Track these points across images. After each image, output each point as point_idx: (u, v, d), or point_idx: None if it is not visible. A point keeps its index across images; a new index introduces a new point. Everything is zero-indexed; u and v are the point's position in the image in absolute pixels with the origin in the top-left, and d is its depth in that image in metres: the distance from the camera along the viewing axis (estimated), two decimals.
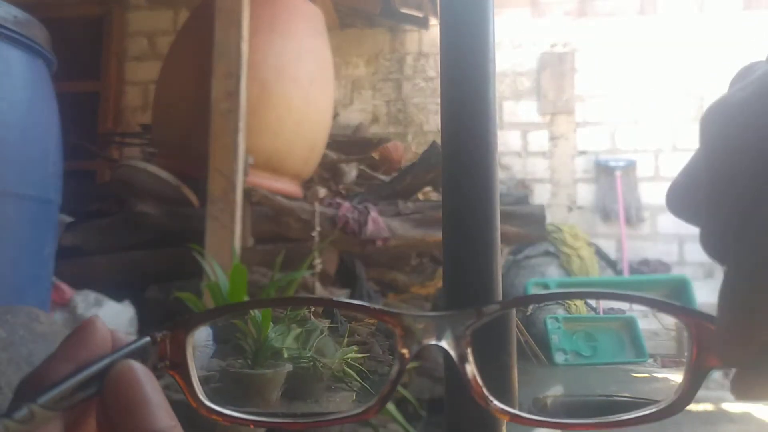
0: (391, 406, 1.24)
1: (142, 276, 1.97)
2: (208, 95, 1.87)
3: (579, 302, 3.81)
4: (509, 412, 0.23)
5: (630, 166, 4.25)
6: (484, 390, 0.22)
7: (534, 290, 3.30)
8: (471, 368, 0.22)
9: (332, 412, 0.23)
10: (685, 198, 0.23)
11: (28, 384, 0.18)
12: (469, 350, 0.22)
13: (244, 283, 1.28)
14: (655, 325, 3.52)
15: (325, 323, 1.31)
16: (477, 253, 0.54)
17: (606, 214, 4.26)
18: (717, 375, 1.97)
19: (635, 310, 3.81)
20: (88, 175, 3.89)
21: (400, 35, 4.54)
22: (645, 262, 4.04)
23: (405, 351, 0.22)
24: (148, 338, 0.21)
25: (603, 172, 4.31)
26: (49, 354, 0.19)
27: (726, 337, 0.21)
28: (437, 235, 1.96)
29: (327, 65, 2.46)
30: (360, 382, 1.16)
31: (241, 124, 1.86)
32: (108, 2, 4.33)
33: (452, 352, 0.22)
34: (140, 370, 0.19)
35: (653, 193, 4.17)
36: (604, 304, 4.03)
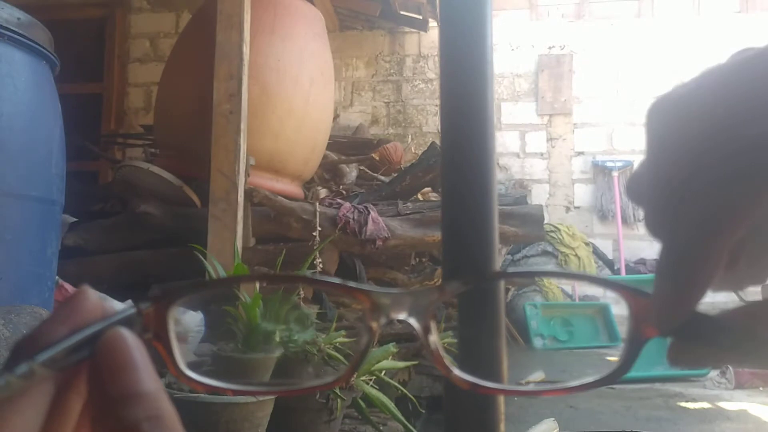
0: (390, 404, 1.25)
1: (145, 276, 1.99)
2: (210, 97, 1.88)
3: (557, 289, 3.85)
4: (469, 381, 0.24)
5: (627, 167, 4.28)
6: (445, 360, 0.24)
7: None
8: (434, 339, 0.24)
9: (306, 381, 0.25)
10: (639, 186, 0.25)
11: (25, 344, 0.19)
12: (432, 323, 0.24)
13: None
14: (627, 311, 3.54)
15: (314, 309, 1.32)
16: (475, 253, 0.56)
17: (603, 214, 4.28)
18: (714, 374, 1.99)
19: (608, 297, 3.85)
20: (90, 176, 3.91)
21: (399, 37, 4.56)
22: (642, 262, 4.06)
23: (374, 324, 0.24)
24: (134, 309, 0.22)
25: (600, 172, 4.33)
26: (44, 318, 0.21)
27: (661, 308, 0.22)
28: (436, 234, 1.98)
29: (327, 67, 2.47)
30: (347, 365, 1.17)
31: (243, 126, 1.87)
32: (110, 5, 4.35)
33: (416, 325, 0.23)
34: (130, 337, 0.20)
35: None
36: (580, 291, 4.08)
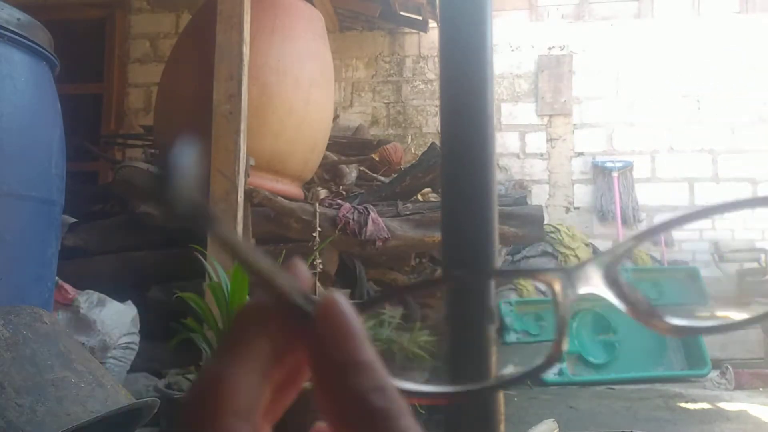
0: None
1: (145, 276, 1.99)
2: (210, 97, 1.88)
3: (531, 287, 3.82)
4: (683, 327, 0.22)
5: (627, 167, 4.28)
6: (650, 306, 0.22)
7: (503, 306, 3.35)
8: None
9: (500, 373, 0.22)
10: None
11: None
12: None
13: (246, 283, 1.30)
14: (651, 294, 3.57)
15: (397, 310, 1.33)
16: (475, 254, 0.56)
17: (603, 214, 4.28)
18: (714, 375, 1.99)
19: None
20: (90, 176, 3.91)
21: (399, 38, 4.56)
22: None
23: (564, 298, 0.22)
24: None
25: (600, 173, 4.33)
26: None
27: None
28: (436, 235, 1.98)
29: (327, 68, 2.48)
30: (431, 362, 1.19)
31: (243, 126, 1.87)
32: (110, 5, 4.35)
33: (610, 291, 0.22)
34: (347, 303, 0.19)
35: (650, 194, 4.20)
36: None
